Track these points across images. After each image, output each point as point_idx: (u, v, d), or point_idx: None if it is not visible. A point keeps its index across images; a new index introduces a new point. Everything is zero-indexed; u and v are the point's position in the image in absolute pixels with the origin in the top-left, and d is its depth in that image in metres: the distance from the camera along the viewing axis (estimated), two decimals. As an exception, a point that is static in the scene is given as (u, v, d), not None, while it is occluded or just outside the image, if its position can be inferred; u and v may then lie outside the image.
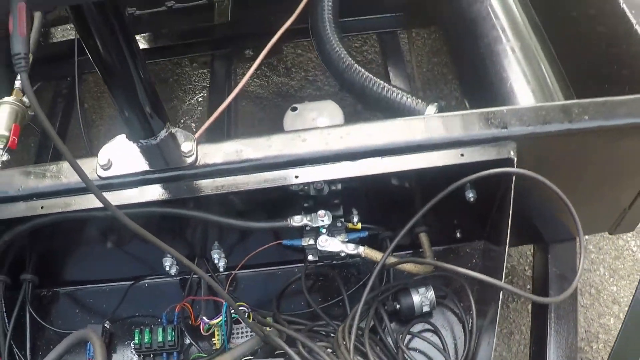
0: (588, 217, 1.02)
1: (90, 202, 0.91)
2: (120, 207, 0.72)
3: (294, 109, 1.11)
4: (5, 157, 1.13)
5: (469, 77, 1.29)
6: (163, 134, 0.91)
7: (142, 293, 1.11)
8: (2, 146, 1.14)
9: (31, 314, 1.05)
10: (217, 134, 1.45)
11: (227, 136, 1.52)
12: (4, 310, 1.03)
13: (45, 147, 1.53)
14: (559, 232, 1.15)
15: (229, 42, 1.76)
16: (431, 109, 1.20)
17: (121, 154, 0.93)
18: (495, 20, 1.18)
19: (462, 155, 0.92)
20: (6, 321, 1.03)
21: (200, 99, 2.19)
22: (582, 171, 1.03)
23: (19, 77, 1.17)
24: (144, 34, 1.81)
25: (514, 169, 0.90)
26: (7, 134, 1.16)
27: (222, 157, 0.93)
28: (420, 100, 1.22)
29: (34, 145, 1.63)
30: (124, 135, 0.93)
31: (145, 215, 0.91)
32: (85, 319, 1.10)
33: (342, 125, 1.02)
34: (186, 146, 0.92)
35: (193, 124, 2.14)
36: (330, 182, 0.93)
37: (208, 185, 0.92)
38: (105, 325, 1.04)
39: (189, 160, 0.92)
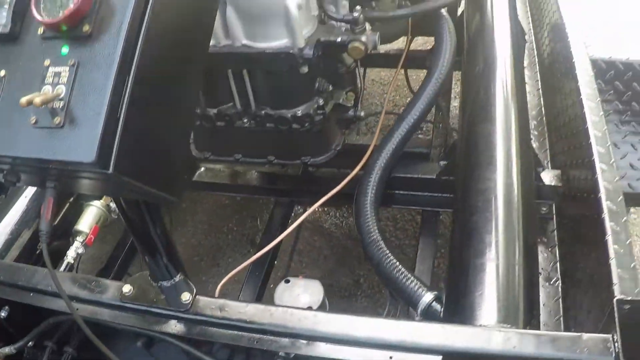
0: None
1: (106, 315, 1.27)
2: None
3: (287, 281, 1.37)
4: (81, 251, 1.51)
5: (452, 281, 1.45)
6: (168, 282, 1.23)
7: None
8: (81, 240, 1.53)
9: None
10: (278, 267, 1.75)
11: (288, 267, 1.82)
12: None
13: (115, 257, 1.94)
14: None
15: (291, 193, 2.08)
16: (428, 296, 1.39)
17: (142, 285, 1.27)
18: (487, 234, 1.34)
19: (390, 357, 1.12)
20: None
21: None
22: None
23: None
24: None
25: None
26: (87, 231, 1.54)
27: (210, 311, 1.23)
28: (422, 287, 1.41)
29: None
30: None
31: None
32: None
33: (315, 310, 1.27)
34: (185, 296, 1.23)
35: (240, 257, 2.47)
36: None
37: (188, 329, 1.22)
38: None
39: (184, 306, 1.23)
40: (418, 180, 1.90)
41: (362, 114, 1.84)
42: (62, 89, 0.80)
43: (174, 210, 2.63)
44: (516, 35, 2.03)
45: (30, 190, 1.76)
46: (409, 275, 1.46)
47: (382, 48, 2.38)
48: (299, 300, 1.30)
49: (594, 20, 2.14)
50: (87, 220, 1.56)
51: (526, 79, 2.15)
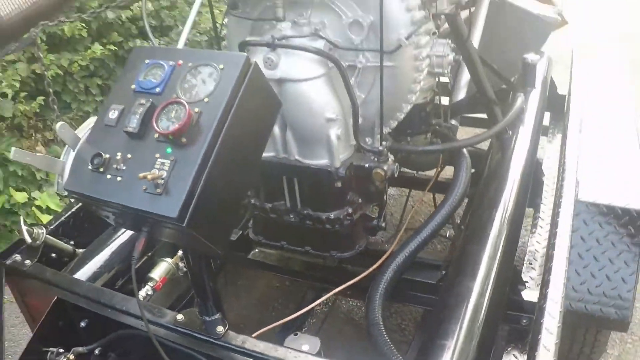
0: None
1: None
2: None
3: (295, 334, 1.85)
4: (150, 292, 2.03)
5: None
6: (209, 317, 1.74)
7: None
8: (151, 285, 2.05)
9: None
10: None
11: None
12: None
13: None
14: None
15: (323, 280, 2.55)
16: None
17: (191, 317, 1.80)
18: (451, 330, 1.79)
19: None
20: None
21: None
22: None
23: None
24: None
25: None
26: (157, 279, 2.06)
27: (235, 342, 1.73)
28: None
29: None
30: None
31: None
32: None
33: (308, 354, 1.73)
34: (219, 328, 1.74)
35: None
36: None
37: (218, 352, 1.72)
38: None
39: (217, 335, 1.74)
40: (421, 284, 2.38)
41: (384, 224, 2.36)
42: (164, 173, 1.37)
43: (232, 285, 3.19)
44: (528, 175, 2.53)
45: (121, 239, 2.38)
46: (395, 352, 1.92)
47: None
48: (300, 347, 1.77)
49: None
50: (159, 272, 2.10)
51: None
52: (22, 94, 4.30)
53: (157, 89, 1.50)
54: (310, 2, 2.07)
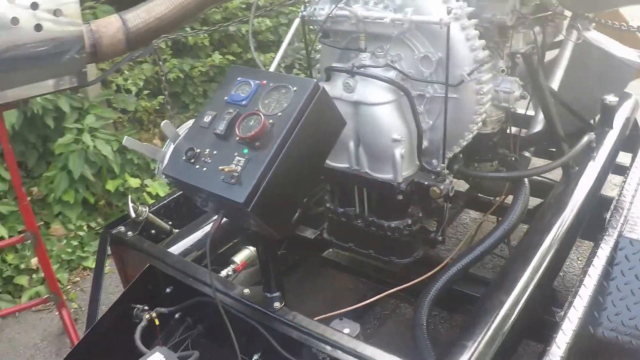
0: None
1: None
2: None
3: (341, 319, 2.17)
4: (230, 272, 2.40)
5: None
6: (270, 294, 2.11)
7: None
8: (233, 267, 2.44)
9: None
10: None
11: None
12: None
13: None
14: None
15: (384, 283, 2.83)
16: None
17: (256, 292, 2.18)
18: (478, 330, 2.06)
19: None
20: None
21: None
22: None
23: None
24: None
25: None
26: (238, 262, 2.44)
27: (287, 316, 2.08)
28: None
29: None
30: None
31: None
32: None
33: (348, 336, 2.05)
34: (277, 304, 2.10)
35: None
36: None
37: (272, 323, 2.08)
38: None
39: (274, 309, 2.10)
40: (469, 296, 2.64)
41: (441, 238, 2.65)
42: (239, 168, 1.75)
43: (310, 282, 3.55)
44: (586, 207, 2.73)
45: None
46: (431, 351, 2.21)
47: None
48: (342, 329, 2.09)
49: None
50: (240, 256, 2.49)
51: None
52: (145, 92, 4.91)
53: (244, 102, 1.90)
54: (389, 37, 2.41)
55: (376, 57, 2.41)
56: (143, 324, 2.23)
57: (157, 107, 5.01)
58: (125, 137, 2.12)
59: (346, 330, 2.07)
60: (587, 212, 2.79)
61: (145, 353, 2.02)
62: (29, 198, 3.89)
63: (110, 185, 4.43)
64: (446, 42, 2.23)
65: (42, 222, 4.30)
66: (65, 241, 4.26)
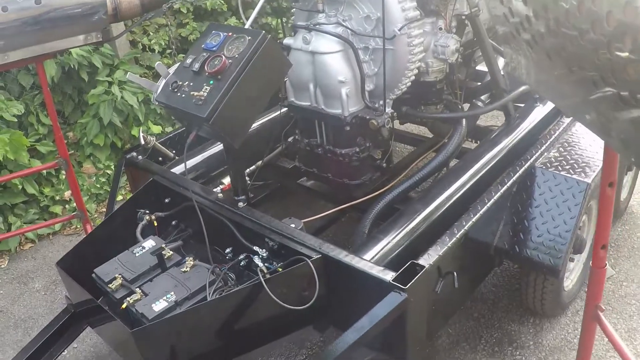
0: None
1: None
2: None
3: (290, 218, 2.97)
4: (218, 190, 3.19)
5: None
6: (238, 198, 2.92)
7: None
8: (221, 187, 3.22)
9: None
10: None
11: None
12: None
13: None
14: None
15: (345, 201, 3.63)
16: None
17: (228, 196, 2.98)
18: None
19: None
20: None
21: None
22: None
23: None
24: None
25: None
26: (225, 183, 3.26)
27: (246, 213, 2.88)
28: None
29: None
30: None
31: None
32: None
33: (292, 227, 2.85)
34: (241, 204, 2.90)
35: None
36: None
37: (234, 217, 2.88)
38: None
39: (238, 208, 2.90)
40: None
41: (384, 165, 3.41)
42: (204, 94, 2.54)
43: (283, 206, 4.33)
44: (518, 149, 3.45)
45: (205, 154, 3.62)
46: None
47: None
48: (289, 224, 2.86)
49: None
50: (227, 179, 3.27)
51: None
52: (168, 51, 5.75)
53: (214, 48, 2.69)
54: (342, 1, 3.16)
55: (329, 17, 3.17)
56: (143, 222, 3.05)
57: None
58: (129, 72, 2.94)
59: (292, 225, 2.85)
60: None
61: (153, 248, 2.80)
62: (65, 141, 4.79)
63: (135, 131, 5.26)
64: (382, 3, 2.97)
65: (76, 162, 5.21)
66: (94, 178, 5.16)
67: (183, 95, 2.63)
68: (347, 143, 3.30)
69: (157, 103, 2.78)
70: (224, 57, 2.57)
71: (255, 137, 3.83)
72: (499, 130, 3.65)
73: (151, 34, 5.74)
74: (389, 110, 3.22)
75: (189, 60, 2.73)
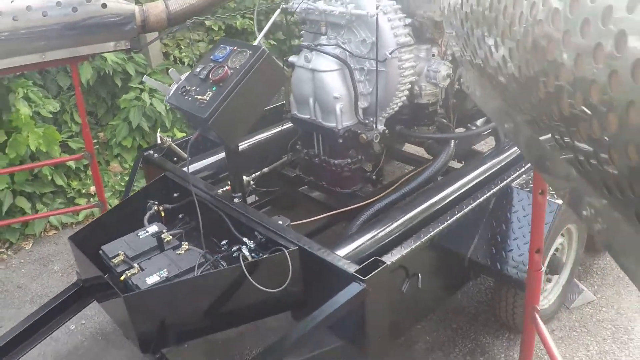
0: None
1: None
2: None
3: (279, 217, 3.34)
4: (220, 191, 3.62)
5: None
6: (234, 194, 3.31)
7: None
8: (224, 188, 3.63)
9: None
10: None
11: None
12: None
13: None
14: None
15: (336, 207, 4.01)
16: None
17: (228, 194, 3.38)
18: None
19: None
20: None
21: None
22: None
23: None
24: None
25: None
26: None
27: (241, 208, 3.27)
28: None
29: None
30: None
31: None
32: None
33: (280, 224, 3.22)
34: (237, 200, 3.29)
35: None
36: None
37: (231, 212, 3.27)
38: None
39: (234, 203, 3.28)
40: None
41: (374, 177, 3.77)
42: (207, 98, 2.94)
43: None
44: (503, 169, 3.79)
45: (214, 158, 4.02)
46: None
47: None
48: (277, 221, 3.23)
49: None
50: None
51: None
52: (197, 64, 6.23)
53: (220, 59, 3.10)
54: (343, 26, 3.55)
55: (330, 39, 3.56)
56: (151, 211, 3.44)
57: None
58: (145, 76, 3.37)
59: (280, 222, 3.22)
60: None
61: (154, 232, 3.19)
62: (95, 141, 5.26)
63: (167, 134, 5.75)
64: (376, 29, 3.36)
65: (104, 160, 5.67)
66: (119, 176, 5.61)
67: (189, 99, 3.03)
68: (340, 154, 3.67)
69: (169, 104, 3.19)
70: (226, 67, 2.98)
71: (265, 146, 4.24)
72: (487, 152, 3.98)
73: (183, 47, 6.22)
74: (381, 127, 3.58)
75: (198, 69, 3.15)
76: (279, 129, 4.39)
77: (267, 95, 3.11)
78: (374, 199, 3.71)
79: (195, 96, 3.00)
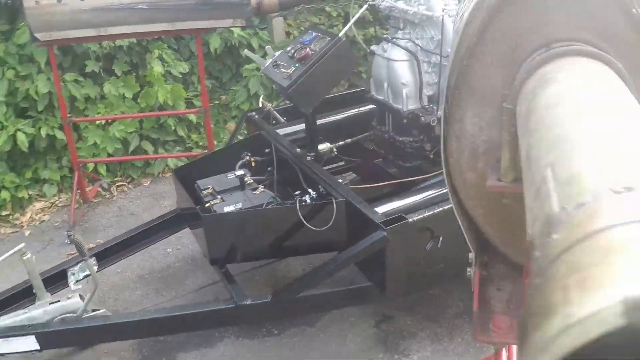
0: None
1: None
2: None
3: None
4: (309, 156, 4.45)
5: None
6: (309, 153, 4.14)
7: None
8: (312, 154, 4.47)
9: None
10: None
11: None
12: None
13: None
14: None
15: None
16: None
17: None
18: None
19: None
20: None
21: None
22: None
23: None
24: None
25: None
26: (320, 150, 4.51)
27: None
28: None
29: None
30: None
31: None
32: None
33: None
34: (308, 158, 4.12)
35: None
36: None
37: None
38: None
39: (307, 159, 4.12)
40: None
41: (432, 156, 4.48)
42: (291, 72, 3.78)
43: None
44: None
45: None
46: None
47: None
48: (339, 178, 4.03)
49: None
50: (321, 146, 4.55)
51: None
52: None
53: (306, 42, 3.93)
54: (416, 24, 4.27)
55: (405, 33, 4.30)
56: (243, 160, 4.35)
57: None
58: (246, 50, 4.27)
59: (340, 180, 4.02)
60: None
61: (239, 175, 4.10)
62: (217, 102, 6.28)
63: (275, 103, 6.67)
64: (441, 28, 4.07)
65: (223, 120, 6.70)
66: (233, 134, 6.64)
67: (278, 71, 3.89)
68: (405, 133, 4.39)
69: (263, 74, 4.07)
70: (309, 49, 3.81)
71: (353, 120, 5.03)
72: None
73: (302, 29, 7.13)
74: (440, 113, 4.29)
75: (288, 48, 4.00)
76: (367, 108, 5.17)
77: (338, 76, 3.92)
78: (429, 175, 4.42)
79: (282, 70, 3.85)
